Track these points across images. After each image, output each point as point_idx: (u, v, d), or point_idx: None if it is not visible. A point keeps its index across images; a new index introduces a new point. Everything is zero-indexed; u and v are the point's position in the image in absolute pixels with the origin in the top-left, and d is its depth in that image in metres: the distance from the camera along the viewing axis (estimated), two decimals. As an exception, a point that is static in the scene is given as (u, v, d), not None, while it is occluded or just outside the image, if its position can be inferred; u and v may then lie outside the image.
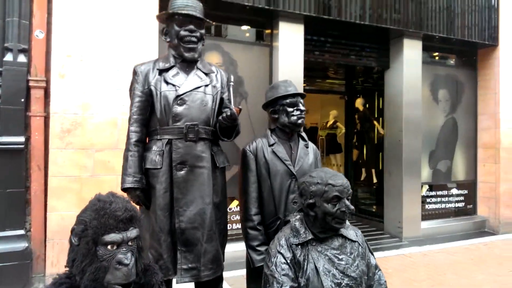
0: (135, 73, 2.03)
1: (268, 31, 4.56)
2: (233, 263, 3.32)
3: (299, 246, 1.64)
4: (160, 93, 1.96)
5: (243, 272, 2.45)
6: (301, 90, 2.95)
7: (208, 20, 2.07)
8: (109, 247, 1.23)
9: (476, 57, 6.00)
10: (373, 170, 6.49)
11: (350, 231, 1.74)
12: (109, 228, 1.23)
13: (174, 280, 1.93)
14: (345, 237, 1.70)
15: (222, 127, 2.00)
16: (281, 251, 1.63)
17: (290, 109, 2.02)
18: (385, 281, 1.73)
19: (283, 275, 1.58)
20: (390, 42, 5.32)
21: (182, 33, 1.97)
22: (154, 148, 1.95)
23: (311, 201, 1.65)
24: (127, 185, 1.86)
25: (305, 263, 1.61)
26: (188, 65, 2.04)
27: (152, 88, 1.98)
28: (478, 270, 4.04)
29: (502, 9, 5.72)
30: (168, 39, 2.05)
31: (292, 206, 1.97)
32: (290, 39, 4.37)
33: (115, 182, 3.17)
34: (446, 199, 5.87)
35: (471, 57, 6.03)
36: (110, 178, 3.35)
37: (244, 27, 4.62)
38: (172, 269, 1.87)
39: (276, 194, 1.98)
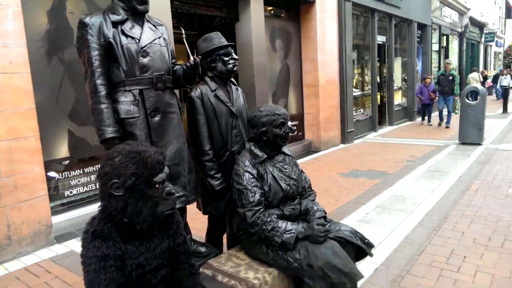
0: (85, 25, 1.99)
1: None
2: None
3: (259, 164, 2.19)
4: (122, 45, 2.01)
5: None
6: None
7: None
8: (157, 185, 1.46)
9: (299, 12, 7.29)
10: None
11: (285, 149, 2.39)
12: (156, 171, 1.45)
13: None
14: (284, 153, 2.34)
15: (186, 75, 2.23)
16: (248, 170, 2.14)
17: (226, 58, 2.39)
18: (309, 179, 2.49)
19: (254, 186, 2.11)
20: (238, -5, 5.93)
21: None
22: (125, 99, 2.04)
23: (263, 129, 2.18)
24: (109, 135, 1.94)
25: (265, 175, 2.18)
26: (138, 17, 2.12)
27: (111, 40, 2.00)
28: (317, 175, 5.46)
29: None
30: None
31: (235, 139, 2.44)
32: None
33: None
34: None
35: (296, 12, 7.28)
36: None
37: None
38: None
39: (223, 130, 2.39)
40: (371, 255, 2.17)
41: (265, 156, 2.21)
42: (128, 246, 1.47)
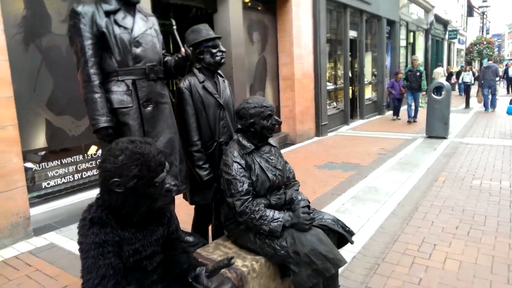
0: (77, 14, 1.97)
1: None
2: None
3: (247, 155, 2.26)
4: (115, 35, 2.01)
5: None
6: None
7: None
8: (157, 184, 1.47)
9: (276, 5, 7.35)
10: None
11: (271, 140, 2.47)
12: (158, 173, 1.46)
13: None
14: (270, 144, 2.42)
15: (177, 66, 2.25)
16: (236, 160, 2.21)
17: (214, 50, 2.43)
18: (293, 170, 2.59)
19: (242, 176, 2.18)
20: (217, -14, 5.90)
21: None
22: (118, 89, 2.05)
23: (251, 120, 2.25)
24: (103, 124, 1.94)
25: (253, 165, 2.25)
26: (130, 8, 2.12)
27: (104, 30, 1.99)
28: (294, 167, 5.57)
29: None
30: None
31: (223, 130, 2.49)
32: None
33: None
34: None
35: (273, 5, 7.33)
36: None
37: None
38: None
39: (211, 121, 2.44)
40: (352, 242, 2.30)
41: (253, 147, 2.28)
42: (125, 233, 1.50)
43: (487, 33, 36.33)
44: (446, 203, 3.98)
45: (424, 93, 9.61)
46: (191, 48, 2.29)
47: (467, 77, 14.90)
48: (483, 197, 4.12)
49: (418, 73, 9.67)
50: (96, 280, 1.38)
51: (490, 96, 12.02)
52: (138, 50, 2.09)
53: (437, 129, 7.58)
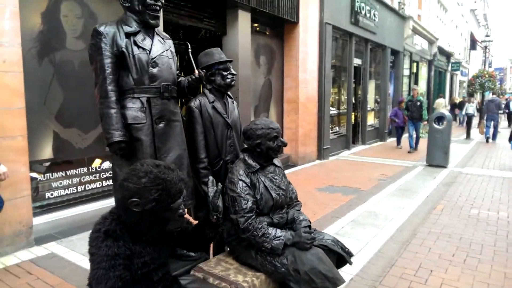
0: (100, 33, 2.10)
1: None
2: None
3: (252, 174, 2.33)
4: (134, 56, 2.13)
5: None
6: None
7: None
8: (173, 209, 1.54)
9: (283, 30, 7.58)
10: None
11: (276, 161, 2.55)
12: (176, 198, 1.54)
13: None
14: (275, 165, 2.50)
15: (191, 87, 2.37)
16: (242, 179, 2.28)
17: (224, 73, 2.55)
18: (296, 191, 2.66)
19: (247, 194, 2.25)
20: (227, 11, 6.12)
21: (149, 1, 2.17)
22: (133, 105, 2.15)
23: (258, 141, 2.34)
24: (117, 139, 2.04)
25: (258, 184, 2.32)
26: (149, 30, 2.26)
27: (124, 50, 2.12)
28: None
29: (300, -6, 7.40)
30: (128, 4, 2.19)
31: (229, 148, 2.58)
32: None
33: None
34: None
35: (280, 30, 7.57)
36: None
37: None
38: None
39: (219, 140, 2.53)
40: (351, 263, 2.34)
41: (258, 166, 2.36)
42: (136, 247, 1.56)
43: (490, 67, 36.93)
44: (444, 231, 4.02)
45: (426, 122, 9.71)
46: (204, 71, 2.40)
47: (471, 108, 15.10)
48: (480, 227, 4.16)
49: (418, 103, 9.72)
50: None
51: (492, 129, 12.21)
52: (154, 70, 2.20)
53: (437, 158, 7.65)
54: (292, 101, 7.67)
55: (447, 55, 23.01)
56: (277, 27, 7.49)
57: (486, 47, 21.36)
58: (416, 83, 16.31)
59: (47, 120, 3.89)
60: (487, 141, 12.19)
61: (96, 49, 2.12)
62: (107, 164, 4.43)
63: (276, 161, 2.54)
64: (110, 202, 4.22)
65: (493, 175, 6.95)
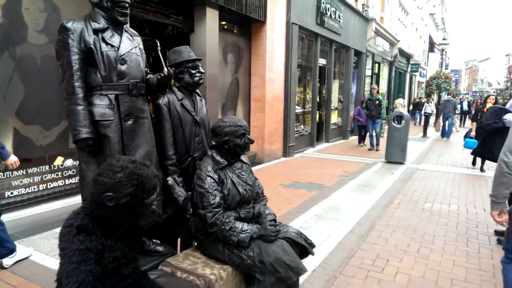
0: (67, 29, 2.08)
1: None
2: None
3: (220, 170, 2.41)
4: (102, 52, 2.13)
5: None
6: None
7: None
8: (146, 204, 1.57)
9: (251, 29, 7.67)
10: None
11: (243, 157, 2.64)
12: (150, 194, 1.57)
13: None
14: (242, 161, 2.59)
15: (159, 84, 2.39)
16: (210, 175, 2.35)
17: (193, 71, 2.60)
18: (262, 186, 2.76)
19: (214, 189, 2.33)
20: (195, 8, 6.12)
21: None
22: (100, 102, 2.15)
23: (226, 138, 2.41)
24: (84, 135, 2.03)
25: (225, 180, 2.41)
26: (117, 27, 2.26)
27: (92, 46, 2.12)
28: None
29: (267, -6, 7.51)
30: (96, 0, 2.19)
31: (197, 146, 2.64)
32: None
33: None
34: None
35: (248, 29, 7.65)
36: None
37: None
38: None
39: (187, 137, 2.58)
40: (313, 254, 2.49)
41: (226, 163, 2.44)
42: (108, 241, 1.60)
43: (446, 68, 38.88)
44: (399, 223, 4.29)
45: (385, 121, 10.07)
46: (173, 69, 2.45)
47: (429, 108, 15.92)
48: (433, 219, 4.47)
49: (377, 102, 9.91)
50: (75, 284, 1.45)
51: (447, 127, 13.11)
52: (123, 67, 2.22)
53: (395, 155, 8.06)
54: (259, 100, 7.79)
55: (407, 57, 24.05)
56: (244, 26, 7.57)
57: (443, 50, 22.50)
58: (377, 83, 16.96)
59: (7, 116, 3.77)
60: (443, 137, 13.01)
61: (63, 45, 2.11)
62: (69, 162, 4.34)
63: (244, 157, 2.64)
64: (73, 201, 4.15)
65: (446, 171, 7.43)
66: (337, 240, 3.75)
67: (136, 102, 2.32)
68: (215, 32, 6.30)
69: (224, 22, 7.08)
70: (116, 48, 2.22)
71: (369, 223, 4.29)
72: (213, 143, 2.50)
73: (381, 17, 16.68)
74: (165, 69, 2.38)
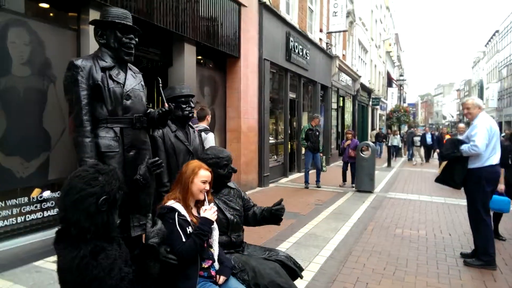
0: (76, 67, 2.23)
1: (75, 14, 4.59)
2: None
3: (207, 197, 2.55)
4: (109, 88, 2.28)
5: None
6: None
7: (138, 29, 2.53)
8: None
9: (226, 64, 7.99)
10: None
11: (230, 183, 2.79)
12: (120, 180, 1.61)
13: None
14: (229, 187, 2.74)
15: (160, 118, 2.54)
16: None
17: (183, 106, 2.80)
18: (251, 200, 2.91)
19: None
20: (173, 44, 6.36)
21: (124, 40, 2.36)
22: (106, 134, 2.27)
23: (209, 169, 2.57)
24: None
25: (213, 206, 2.55)
26: (122, 65, 2.44)
27: (100, 83, 2.26)
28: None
29: (242, 31, 7.92)
30: (104, 41, 2.36)
31: (190, 174, 2.79)
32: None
33: None
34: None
35: (223, 64, 7.97)
36: None
37: (53, 9, 4.44)
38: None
39: (181, 166, 2.71)
40: (301, 277, 2.64)
41: (212, 190, 2.59)
42: (113, 246, 1.61)
43: (404, 102, 41.35)
44: (375, 248, 4.51)
45: (321, 154, 9.20)
46: (173, 104, 2.63)
47: (395, 140, 16.79)
48: (404, 244, 4.75)
49: (317, 133, 8.99)
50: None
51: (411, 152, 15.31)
52: (128, 102, 2.38)
53: (365, 184, 8.44)
54: (234, 130, 8.00)
55: (368, 91, 25.44)
56: (220, 61, 7.88)
57: (400, 85, 24.07)
58: (342, 116, 17.76)
59: (-12, 147, 3.72)
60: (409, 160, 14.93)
61: (73, 81, 2.25)
62: (47, 194, 4.28)
63: (232, 183, 2.79)
64: (51, 233, 4.05)
65: (412, 199, 7.86)
66: (318, 265, 3.90)
67: (138, 135, 2.45)
68: (192, 66, 6.53)
69: (200, 57, 7.34)
70: (122, 85, 2.38)
71: (347, 249, 4.48)
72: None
73: (343, 55, 17.72)
74: (166, 105, 2.55)
